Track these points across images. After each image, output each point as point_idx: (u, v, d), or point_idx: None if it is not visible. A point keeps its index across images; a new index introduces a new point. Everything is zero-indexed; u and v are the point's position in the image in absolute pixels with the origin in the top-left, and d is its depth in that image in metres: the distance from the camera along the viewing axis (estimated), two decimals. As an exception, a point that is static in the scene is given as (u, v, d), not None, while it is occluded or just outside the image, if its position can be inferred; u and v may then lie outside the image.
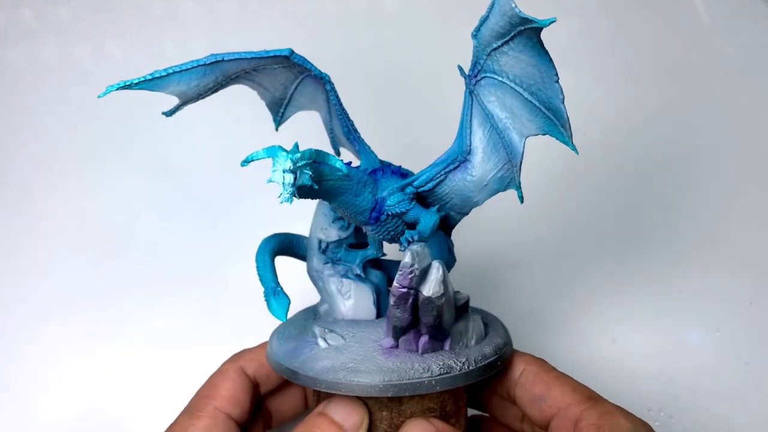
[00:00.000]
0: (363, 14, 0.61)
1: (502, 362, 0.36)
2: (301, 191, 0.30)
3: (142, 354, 0.50)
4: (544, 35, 0.29)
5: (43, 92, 0.58)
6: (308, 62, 0.34)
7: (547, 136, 0.33)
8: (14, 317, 0.51)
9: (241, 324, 0.42)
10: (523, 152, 0.33)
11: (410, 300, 0.32)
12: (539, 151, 0.39)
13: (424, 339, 0.34)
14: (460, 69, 0.33)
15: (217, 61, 0.32)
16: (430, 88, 0.58)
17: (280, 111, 0.38)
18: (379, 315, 0.38)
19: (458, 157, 0.35)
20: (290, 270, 0.40)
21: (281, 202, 0.29)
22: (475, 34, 0.32)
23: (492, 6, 0.30)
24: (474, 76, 0.33)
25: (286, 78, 0.36)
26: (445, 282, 0.32)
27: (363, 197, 0.33)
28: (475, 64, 0.33)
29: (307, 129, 0.42)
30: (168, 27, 0.59)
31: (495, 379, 0.37)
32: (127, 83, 0.31)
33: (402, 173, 0.36)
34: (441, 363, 0.33)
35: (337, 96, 0.36)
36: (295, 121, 0.40)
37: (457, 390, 0.36)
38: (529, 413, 0.36)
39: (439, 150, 0.37)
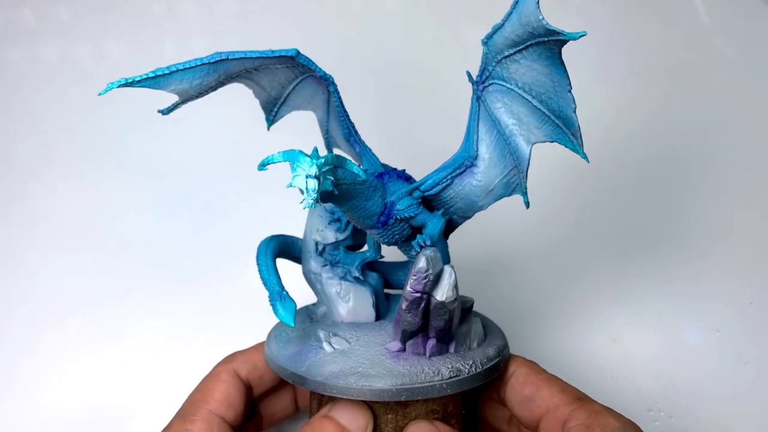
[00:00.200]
0: (363, 14, 0.61)
1: (503, 364, 0.36)
2: (322, 196, 0.30)
3: (142, 354, 0.50)
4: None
5: (43, 92, 0.58)
6: (313, 63, 0.34)
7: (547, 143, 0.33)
8: (14, 317, 0.51)
9: (240, 324, 0.42)
10: (529, 158, 0.33)
11: (422, 304, 0.32)
12: (539, 154, 0.39)
13: (431, 342, 0.34)
14: (469, 75, 0.33)
15: (222, 60, 0.32)
16: (430, 89, 0.58)
17: (273, 110, 0.38)
18: (378, 317, 0.38)
19: (465, 162, 0.35)
20: (282, 271, 0.39)
21: (304, 208, 0.29)
22: (486, 41, 0.32)
23: (509, 14, 0.30)
24: (482, 83, 0.33)
25: (285, 78, 0.36)
26: (456, 286, 0.32)
27: (373, 201, 0.33)
28: (483, 70, 0.33)
29: (297, 129, 0.42)
30: (168, 27, 0.59)
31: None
32: (129, 81, 0.30)
33: (406, 177, 0.36)
34: (450, 366, 0.33)
35: (339, 97, 0.36)
36: (286, 121, 0.40)
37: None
38: (518, 414, 0.36)
39: (440, 152, 0.37)
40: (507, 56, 0.31)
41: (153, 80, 0.31)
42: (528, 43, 0.30)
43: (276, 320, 0.40)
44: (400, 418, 0.34)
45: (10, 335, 0.50)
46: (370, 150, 0.37)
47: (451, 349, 0.35)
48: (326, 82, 0.35)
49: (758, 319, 0.51)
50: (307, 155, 0.29)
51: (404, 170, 0.36)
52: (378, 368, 0.33)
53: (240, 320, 0.44)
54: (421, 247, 0.33)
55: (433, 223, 0.34)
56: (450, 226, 0.37)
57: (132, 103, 0.56)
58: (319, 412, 0.34)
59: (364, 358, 0.34)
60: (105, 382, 0.49)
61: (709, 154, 0.57)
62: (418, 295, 0.32)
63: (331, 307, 0.38)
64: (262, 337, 0.39)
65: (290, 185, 0.29)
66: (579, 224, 0.56)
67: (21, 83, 0.58)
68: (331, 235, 0.38)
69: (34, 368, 0.49)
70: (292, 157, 0.29)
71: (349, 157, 0.38)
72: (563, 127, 0.32)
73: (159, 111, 0.33)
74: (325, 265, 0.38)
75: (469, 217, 0.37)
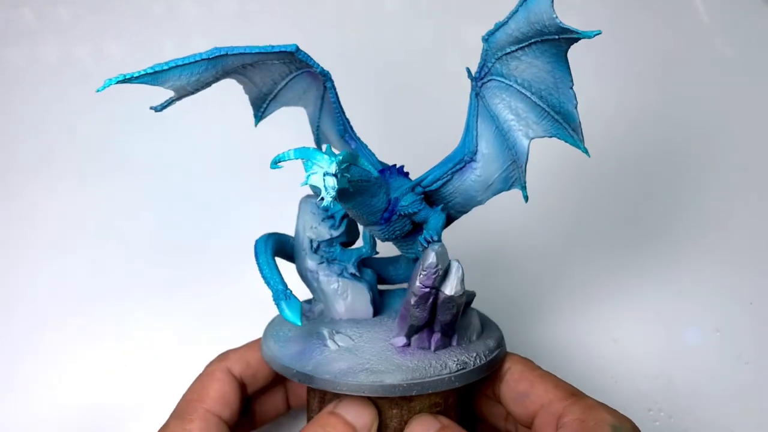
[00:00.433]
0: (363, 14, 0.61)
1: (504, 354, 0.37)
2: (339, 194, 0.30)
3: (142, 354, 0.50)
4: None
5: (43, 92, 0.58)
6: (311, 59, 0.34)
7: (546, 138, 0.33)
8: (14, 317, 0.51)
9: (240, 323, 0.42)
10: (527, 153, 0.34)
11: (431, 299, 0.32)
12: (538, 152, 0.39)
13: (436, 336, 0.34)
14: (468, 71, 0.34)
15: (221, 56, 0.32)
16: (429, 88, 0.58)
17: (263, 106, 0.38)
18: (375, 313, 0.38)
19: (464, 158, 0.35)
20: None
21: (323, 206, 0.29)
22: (487, 38, 0.32)
23: (515, 12, 0.30)
24: (480, 79, 0.33)
25: (279, 74, 0.36)
26: (464, 281, 0.33)
27: (378, 198, 0.33)
28: (482, 67, 0.33)
29: (287, 125, 0.41)
30: (168, 27, 0.59)
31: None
32: (127, 77, 0.30)
33: (404, 173, 0.36)
34: (456, 359, 0.34)
35: (336, 94, 0.36)
36: (279, 118, 0.40)
37: None
38: (513, 411, 0.36)
39: (437, 150, 0.37)
40: (508, 53, 0.32)
41: (151, 76, 0.31)
42: (532, 41, 0.30)
43: (269, 319, 0.40)
44: (405, 412, 0.35)
45: (10, 335, 0.51)
46: (366, 146, 0.37)
47: (454, 342, 0.35)
48: (323, 78, 0.35)
49: (758, 319, 0.51)
50: (323, 152, 0.29)
51: (402, 166, 0.36)
52: (386, 364, 0.33)
53: (240, 320, 0.44)
54: (428, 243, 0.33)
55: (436, 219, 0.35)
56: (447, 222, 0.37)
57: (132, 103, 0.56)
58: (324, 409, 0.34)
59: (371, 354, 0.34)
60: (105, 382, 0.49)
61: (709, 154, 0.57)
62: (428, 290, 0.32)
63: (328, 304, 0.38)
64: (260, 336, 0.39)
65: (305, 183, 0.29)
66: (578, 224, 0.56)
67: (21, 83, 0.58)
68: (325, 232, 0.38)
69: (34, 368, 0.49)
70: (306, 154, 0.29)
71: None
72: (563, 123, 0.32)
73: (151, 108, 0.33)
74: (322, 263, 0.38)
75: (467, 212, 0.37)
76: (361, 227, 0.39)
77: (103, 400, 0.48)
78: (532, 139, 0.33)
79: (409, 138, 0.55)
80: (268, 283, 0.35)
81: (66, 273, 0.53)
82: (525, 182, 0.34)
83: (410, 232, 0.36)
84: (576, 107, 0.31)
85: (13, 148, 0.56)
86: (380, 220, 0.34)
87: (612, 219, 0.56)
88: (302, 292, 0.39)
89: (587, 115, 0.32)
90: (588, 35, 0.28)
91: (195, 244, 0.54)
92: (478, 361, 0.34)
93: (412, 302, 0.33)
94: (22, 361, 0.50)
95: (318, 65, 0.35)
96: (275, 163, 0.29)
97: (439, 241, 0.33)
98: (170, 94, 0.32)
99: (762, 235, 0.54)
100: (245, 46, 0.32)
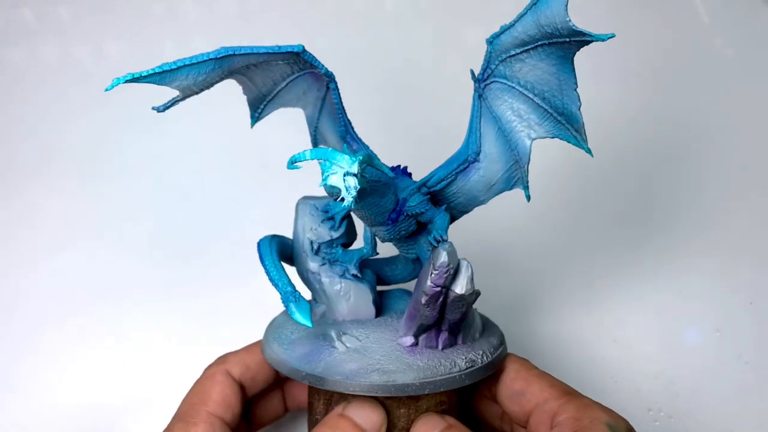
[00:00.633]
0: (363, 14, 0.61)
1: (505, 352, 0.37)
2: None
3: (142, 354, 0.50)
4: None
5: (43, 92, 0.58)
6: (316, 59, 0.34)
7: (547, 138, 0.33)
8: (14, 317, 0.51)
9: (240, 325, 0.42)
10: (530, 154, 0.34)
11: (441, 298, 0.33)
12: (538, 152, 0.39)
13: (444, 335, 0.34)
14: (472, 73, 0.34)
15: (228, 55, 0.32)
16: (430, 89, 0.58)
17: (260, 107, 0.38)
18: (377, 314, 0.38)
19: (468, 158, 0.35)
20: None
21: (346, 206, 0.29)
22: (491, 40, 0.32)
23: (523, 15, 0.30)
24: (483, 80, 0.34)
25: (280, 74, 0.36)
26: (473, 279, 0.33)
27: (387, 198, 0.34)
28: (485, 69, 0.33)
29: (285, 126, 0.41)
30: (168, 27, 0.59)
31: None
32: (135, 76, 0.30)
33: (408, 173, 0.36)
34: (464, 357, 0.34)
35: (339, 94, 0.36)
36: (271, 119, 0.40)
37: None
38: (509, 409, 0.36)
39: (439, 151, 0.37)
40: (512, 55, 0.32)
41: (159, 76, 0.30)
42: (539, 43, 0.31)
43: (269, 320, 0.40)
44: (412, 411, 0.35)
45: (10, 335, 0.50)
46: (368, 147, 0.37)
47: (459, 341, 0.35)
48: (327, 79, 0.35)
49: (758, 319, 0.51)
50: (343, 153, 0.29)
51: (406, 167, 0.36)
52: (397, 363, 0.33)
53: (239, 321, 0.44)
54: (438, 242, 0.33)
55: (442, 218, 0.35)
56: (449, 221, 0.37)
57: (132, 104, 0.56)
58: (333, 411, 0.34)
59: (380, 354, 0.34)
60: (104, 382, 0.49)
61: (709, 154, 0.57)
62: (438, 289, 0.32)
63: (331, 305, 0.37)
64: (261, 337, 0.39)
65: (324, 184, 0.29)
66: (578, 224, 0.56)
67: (21, 83, 0.58)
68: (325, 234, 0.38)
69: (34, 368, 0.49)
70: (325, 155, 0.29)
71: None
72: (565, 124, 0.32)
73: (153, 108, 0.33)
74: (324, 264, 0.38)
75: (468, 212, 0.37)
76: (361, 228, 0.39)
77: (103, 400, 0.48)
78: (534, 139, 0.34)
79: (409, 139, 0.55)
80: (276, 286, 0.35)
81: (66, 273, 0.53)
82: (527, 182, 0.35)
83: (413, 233, 0.36)
84: (580, 108, 0.32)
85: (13, 148, 0.56)
86: (387, 221, 0.34)
87: (612, 219, 0.56)
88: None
89: (587, 115, 0.33)
90: (602, 38, 0.28)
91: (194, 245, 0.54)
92: (485, 359, 0.35)
93: (423, 301, 0.33)
94: (22, 361, 0.50)
95: (323, 66, 0.35)
96: (292, 163, 0.29)
97: (448, 240, 0.34)
98: (173, 94, 0.32)
99: (762, 235, 0.54)
100: (252, 46, 0.32)
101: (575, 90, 0.31)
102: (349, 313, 0.37)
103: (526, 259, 0.55)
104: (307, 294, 0.38)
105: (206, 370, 0.38)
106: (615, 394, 0.48)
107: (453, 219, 0.37)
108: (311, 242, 0.38)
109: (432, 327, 0.34)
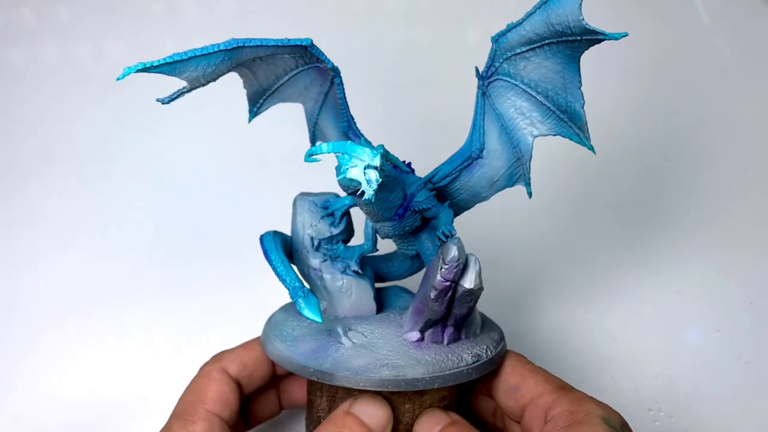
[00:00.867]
0: (363, 14, 0.61)
1: (506, 347, 0.37)
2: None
3: (143, 353, 0.50)
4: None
5: (43, 92, 0.58)
6: (323, 54, 0.34)
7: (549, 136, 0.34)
8: (14, 316, 0.51)
9: (241, 324, 0.42)
10: (531, 151, 0.35)
11: (449, 293, 0.33)
12: (539, 150, 0.39)
13: (449, 330, 0.35)
14: (477, 70, 0.34)
15: (238, 47, 0.32)
16: (430, 87, 0.58)
17: (259, 101, 0.38)
18: (378, 310, 0.38)
19: (471, 155, 0.36)
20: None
21: (365, 200, 0.29)
22: (497, 38, 0.32)
23: (531, 13, 0.31)
24: (487, 78, 0.34)
25: (284, 69, 0.36)
26: (481, 274, 0.33)
27: (396, 193, 0.34)
28: (489, 66, 0.34)
29: (284, 126, 0.41)
30: (168, 27, 0.59)
31: None
32: (147, 65, 0.30)
33: (411, 169, 0.36)
34: (470, 351, 0.35)
35: (343, 90, 0.36)
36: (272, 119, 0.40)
37: None
38: (504, 404, 0.36)
39: (438, 147, 0.37)
40: (518, 53, 0.32)
41: (170, 66, 0.30)
42: (546, 42, 0.31)
43: (265, 319, 0.40)
44: (417, 407, 0.35)
45: (10, 335, 0.50)
46: (370, 143, 0.37)
47: (463, 336, 0.36)
48: (333, 74, 0.35)
49: (758, 319, 0.51)
50: (363, 146, 0.29)
51: (410, 162, 0.36)
52: (405, 358, 0.33)
53: (240, 319, 0.44)
54: (447, 237, 0.33)
55: (447, 214, 0.35)
56: None
57: (132, 103, 0.56)
58: (339, 409, 0.34)
59: (387, 350, 0.34)
60: (105, 382, 0.49)
61: (709, 154, 0.57)
62: (448, 283, 0.32)
63: (333, 302, 0.37)
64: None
65: (343, 177, 0.29)
66: (579, 224, 0.56)
67: (21, 83, 0.58)
68: (325, 230, 0.38)
69: (34, 368, 0.49)
70: (345, 148, 0.29)
71: None
72: (568, 121, 0.33)
73: (158, 100, 0.32)
74: (325, 260, 0.38)
75: (470, 208, 0.37)
76: (358, 224, 0.39)
77: (103, 400, 0.48)
78: (537, 137, 0.34)
79: (410, 136, 0.55)
80: (284, 281, 0.35)
81: (66, 273, 0.53)
82: (529, 179, 0.36)
83: (419, 228, 0.36)
84: (583, 107, 0.32)
85: (13, 148, 0.56)
86: (395, 216, 0.34)
87: (612, 218, 0.56)
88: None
89: (589, 113, 0.33)
90: (615, 37, 0.29)
91: (194, 245, 0.54)
92: (489, 353, 0.35)
93: (432, 296, 0.33)
94: (22, 360, 0.50)
95: (329, 61, 0.35)
96: (309, 156, 0.29)
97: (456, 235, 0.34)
98: (178, 86, 0.32)
99: (762, 235, 0.54)
100: (261, 39, 0.32)
101: (579, 88, 0.32)
102: (351, 309, 0.37)
103: (526, 257, 0.55)
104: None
105: (202, 368, 0.38)
106: (615, 393, 0.48)
107: (455, 215, 0.37)
108: (311, 238, 0.38)
109: (438, 322, 0.34)
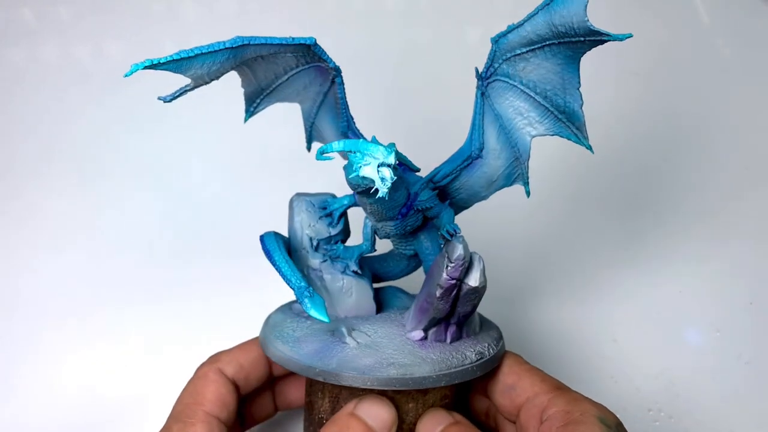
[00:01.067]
0: (363, 14, 0.61)
1: (504, 345, 0.37)
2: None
3: (143, 353, 0.50)
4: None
5: (43, 92, 0.58)
6: (326, 53, 0.35)
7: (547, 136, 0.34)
8: (14, 317, 0.51)
9: (241, 324, 0.42)
10: (529, 151, 0.35)
11: (454, 291, 0.33)
12: (538, 150, 0.40)
13: (452, 329, 0.35)
14: (477, 70, 0.34)
15: (243, 45, 0.32)
16: (429, 87, 0.58)
17: (256, 101, 0.38)
18: (378, 310, 0.38)
19: (472, 154, 0.36)
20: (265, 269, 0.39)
21: (379, 197, 0.29)
22: (497, 39, 0.33)
23: (533, 15, 0.31)
24: (486, 78, 0.34)
25: (284, 68, 0.36)
26: (485, 272, 0.33)
27: (400, 192, 0.34)
28: (488, 67, 0.34)
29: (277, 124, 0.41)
30: (168, 27, 0.59)
31: None
32: (154, 62, 0.30)
33: (411, 169, 0.36)
34: (473, 349, 0.35)
35: (344, 89, 0.36)
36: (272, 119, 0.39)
37: None
38: (499, 403, 0.36)
39: (437, 147, 0.37)
40: (518, 54, 0.33)
41: (177, 63, 0.30)
42: (546, 43, 0.31)
43: (262, 320, 0.40)
44: (420, 406, 0.35)
45: (10, 335, 0.50)
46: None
47: (464, 334, 0.36)
48: (334, 73, 0.35)
49: (758, 319, 0.51)
50: (376, 144, 0.29)
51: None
52: (411, 357, 0.33)
53: (240, 319, 0.44)
54: (451, 236, 0.33)
55: (448, 213, 0.36)
56: None
57: (132, 103, 0.56)
58: (343, 410, 0.34)
59: (392, 349, 0.34)
60: (105, 381, 0.49)
61: (709, 154, 0.57)
62: (453, 282, 0.33)
63: (333, 302, 0.37)
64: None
65: (356, 175, 0.29)
66: (578, 224, 0.56)
67: (21, 83, 0.58)
68: (324, 230, 0.38)
69: (34, 368, 0.49)
70: (356, 146, 0.29)
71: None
72: (566, 122, 0.33)
73: (160, 98, 0.32)
74: (325, 261, 0.38)
75: (468, 207, 0.38)
76: (355, 224, 0.39)
77: (103, 400, 0.48)
78: (534, 137, 0.35)
79: (410, 136, 0.54)
80: (289, 281, 0.35)
81: (66, 273, 0.53)
82: (528, 178, 0.36)
83: (419, 228, 0.36)
84: (582, 107, 0.32)
85: (13, 148, 0.56)
86: (398, 215, 0.35)
87: (612, 218, 0.56)
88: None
89: (588, 113, 0.33)
90: (619, 38, 0.29)
91: (195, 244, 0.54)
92: (491, 351, 0.35)
93: (438, 294, 0.33)
94: (22, 360, 0.50)
95: (331, 60, 0.35)
96: (321, 154, 0.30)
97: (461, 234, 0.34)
98: (181, 84, 0.32)
99: (762, 236, 0.54)
100: (266, 37, 0.32)
101: (578, 89, 0.32)
102: (351, 310, 0.37)
103: (525, 257, 0.55)
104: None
105: (199, 369, 0.37)
106: (615, 393, 0.48)
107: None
108: (310, 239, 0.38)
109: (441, 321, 0.34)
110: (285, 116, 0.40)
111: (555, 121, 0.34)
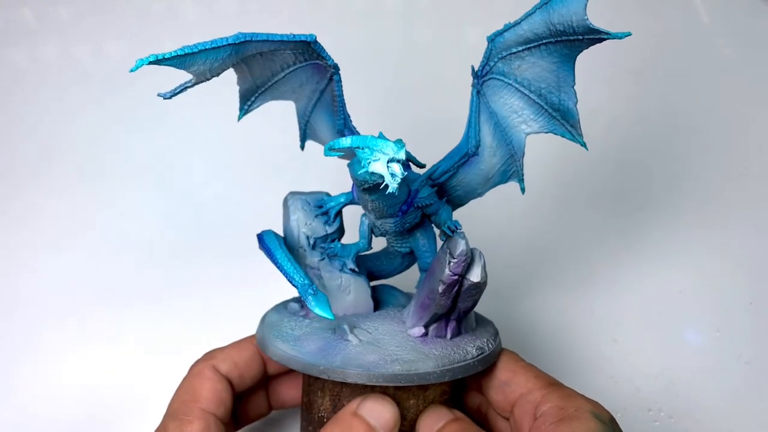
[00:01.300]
0: (363, 14, 0.61)
1: (500, 339, 0.38)
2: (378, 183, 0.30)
3: (143, 353, 0.50)
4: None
5: (43, 92, 0.58)
6: (325, 51, 0.35)
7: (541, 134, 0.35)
8: (13, 317, 0.51)
9: (241, 324, 0.42)
10: (524, 148, 0.35)
11: (456, 287, 0.33)
12: (537, 149, 0.40)
13: (452, 324, 0.35)
14: (473, 69, 0.35)
15: (245, 42, 0.32)
16: (428, 87, 0.58)
17: (251, 99, 0.37)
18: (376, 307, 0.38)
19: (468, 152, 0.36)
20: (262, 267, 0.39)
21: (390, 192, 0.29)
22: (493, 38, 0.33)
23: (531, 13, 0.31)
24: (482, 77, 0.35)
25: (281, 65, 0.36)
26: (486, 268, 0.34)
27: (402, 189, 0.34)
28: (484, 65, 0.34)
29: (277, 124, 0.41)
30: (168, 27, 0.59)
31: None
32: (159, 57, 0.30)
33: (417, 165, 0.36)
34: (473, 345, 0.35)
35: (341, 86, 0.36)
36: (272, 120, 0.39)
37: None
38: (493, 399, 0.36)
39: (435, 146, 0.37)
40: (513, 53, 0.33)
41: (181, 59, 0.30)
42: (543, 41, 0.32)
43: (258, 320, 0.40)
44: (420, 402, 0.35)
45: (10, 335, 0.50)
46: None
47: (462, 330, 0.36)
48: (333, 70, 0.35)
49: (758, 319, 0.51)
50: (386, 140, 0.29)
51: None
52: (414, 353, 0.33)
53: (240, 320, 0.44)
54: (453, 232, 0.34)
55: (447, 210, 0.36)
56: None
57: (132, 103, 0.56)
58: (345, 409, 0.34)
59: (394, 346, 0.34)
60: (105, 381, 0.49)
61: (709, 154, 0.57)
62: (456, 277, 0.33)
63: (332, 300, 0.37)
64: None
65: (364, 171, 0.29)
66: (578, 223, 0.56)
67: (21, 83, 0.58)
68: (320, 229, 0.38)
69: (33, 368, 0.49)
70: (366, 142, 0.29)
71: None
72: (560, 119, 0.34)
73: (159, 95, 0.32)
74: (323, 259, 0.38)
75: (464, 204, 0.38)
76: (349, 222, 0.39)
77: (103, 400, 0.48)
78: (529, 134, 0.35)
79: (409, 136, 0.54)
80: (292, 279, 0.35)
81: (66, 273, 0.53)
82: (523, 175, 0.36)
83: (416, 226, 0.36)
84: (576, 104, 0.33)
85: (13, 148, 0.56)
86: (398, 212, 0.35)
87: (612, 219, 0.56)
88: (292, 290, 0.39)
89: (588, 115, 0.33)
90: (618, 36, 0.29)
91: (195, 244, 0.54)
92: (489, 346, 0.36)
93: (440, 290, 0.33)
94: (22, 360, 0.50)
95: (330, 57, 0.35)
96: (329, 150, 0.30)
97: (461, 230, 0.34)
98: (180, 82, 0.32)
99: (762, 236, 0.54)
100: (268, 34, 0.32)
101: (573, 87, 0.32)
102: (350, 307, 0.38)
103: (525, 258, 0.54)
104: (283, 292, 0.38)
105: (193, 366, 0.37)
106: (615, 393, 0.48)
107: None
108: (307, 237, 0.38)
109: (442, 317, 0.35)
110: (286, 116, 0.40)
111: (549, 119, 0.34)
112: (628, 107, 0.57)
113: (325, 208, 0.38)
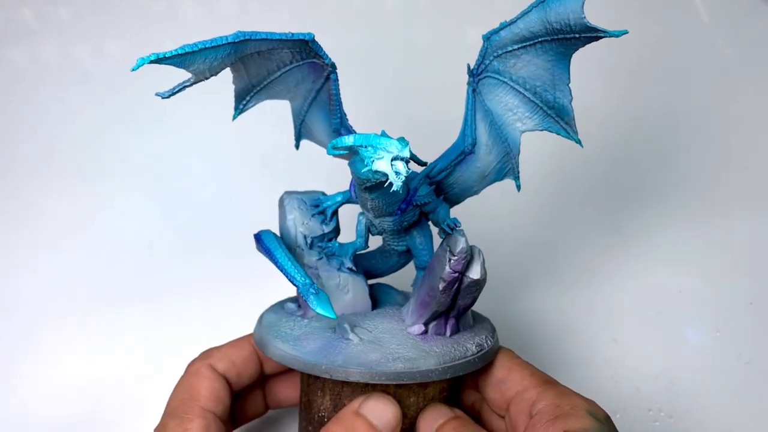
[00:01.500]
0: (363, 14, 0.61)
1: (497, 336, 0.38)
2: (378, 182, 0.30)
3: (143, 353, 0.50)
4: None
5: (43, 92, 0.58)
6: (322, 50, 0.35)
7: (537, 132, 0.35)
8: (13, 317, 0.51)
9: (240, 323, 0.42)
10: (519, 146, 0.36)
11: (456, 284, 0.33)
12: (535, 147, 0.40)
13: (452, 322, 0.35)
14: (468, 67, 0.35)
15: (244, 40, 0.32)
16: (427, 87, 0.58)
17: (246, 98, 0.37)
18: (373, 306, 0.38)
19: (465, 150, 0.36)
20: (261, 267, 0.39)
21: (394, 190, 0.29)
22: (488, 36, 0.33)
23: (527, 12, 0.31)
24: (477, 75, 0.35)
25: (277, 64, 0.36)
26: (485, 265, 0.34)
27: (402, 187, 0.34)
28: (479, 63, 0.34)
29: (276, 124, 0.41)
30: (168, 27, 0.59)
31: None
32: (160, 56, 0.30)
33: (419, 163, 0.37)
34: (472, 341, 0.35)
35: (338, 85, 0.36)
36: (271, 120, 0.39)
37: None
38: (489, 396, 0.36)
39: (432, 145, 0.37)
40: (509, 51, 0.33)
41: (181, 57, 0.30)
42: (539, 40, 0.32)
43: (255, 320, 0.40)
44: (420, 400, 0.35)
45: (10, 335, 0.50)
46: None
47: (461, 327, 0.36)
48: (330, 69, 0.35)
49: (758, 319, 0.51)
50: (389, 138, 0.29)
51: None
52: (415, 351, 0.34)
53: (240, 320, 0.44)
54: (452, 229, 0.34)
55: (444, 208, 0.36)
56: None
57: (132, 103, 0.56)
58: (347, 408, 0.34)
59: (395, 344, 0.34)
60: (105, 381, 0.49)
61: (709, 154, 0.57)
62: (456, 275, 0.33)
63: (330, 299, 0.37)
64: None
65: (368, 169, 0.29)
66: (578, 222, 0.56)
67: (21, 83, 0.58)
68: (317, 228, 0.38)
69: (33, 368, 0.49)
70: (368, 140, 0.29)
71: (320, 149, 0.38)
72: (555, 117, 0.34)
73: (157, 94, 0.32)
74: (321, 258, 0.38)
75: (460, 202, 0.38)
76: (346, 221, 0.39)
77: (103, 400, 0.48)
78: (524, 132, 0.35)
79: (409, 136, 0.54)
80: (293, 279, 0.35)
81: (66, 273, 0.53)
82: (518, 173, 0.36)
83: (414, 224, 0.37)
84: (571, 102, 0.33)
85: (13, 148, 0.56)
86: (397, 211, 0.35)
87: (612, 219, 0.56)
88: (290, 289, 0.39)
89: (588, 115, 0.33)
90: (615, 34, 0.30)
91: (195, 244, 0.54)
92: (488, 343, 0.36)
93: (441, 288, 0.33)
94: (22, 360, 0.50)
95: (327, 56, 0.35)
96: (332, 148, 0.30)
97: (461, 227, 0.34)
98: (178, 81, 0.32)
99: (762, 236, 0.54)
100: (266, 33, 0.32)
101: (568, 85, 0.33)
102: (348, 306, 0.38)
103: (524, 258, 0.54)
104: (290, 290, 0.38)
105: (190, 365, 0.37)
106: (615, 393, 0.48)
107: None
108: (305, 237, 0.38)
109: (442, 315, 0.35)
110: (286, 116, 0.40)
111: (544, 117, 0.34)
112: (624, 105, 0.57)
113: (322, 207, 0.38)
